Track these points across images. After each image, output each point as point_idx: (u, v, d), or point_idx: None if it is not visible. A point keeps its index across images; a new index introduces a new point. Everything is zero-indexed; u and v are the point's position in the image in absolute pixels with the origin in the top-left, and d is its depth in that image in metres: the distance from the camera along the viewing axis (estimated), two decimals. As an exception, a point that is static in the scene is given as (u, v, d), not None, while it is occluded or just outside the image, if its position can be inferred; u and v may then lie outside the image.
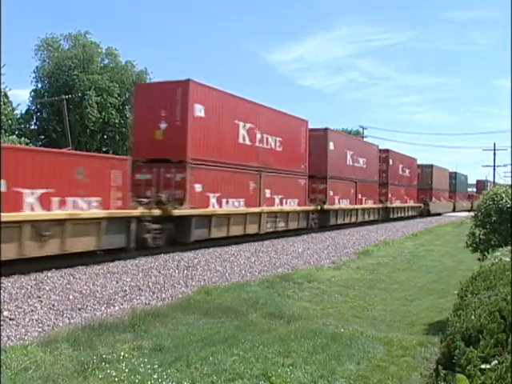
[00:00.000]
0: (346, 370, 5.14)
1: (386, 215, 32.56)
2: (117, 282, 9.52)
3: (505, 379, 2.50)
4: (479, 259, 7.92)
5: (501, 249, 6.85)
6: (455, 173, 56.28)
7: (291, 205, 20.26)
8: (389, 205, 32.94)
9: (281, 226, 19.42)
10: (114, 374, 4.82)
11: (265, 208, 18.10)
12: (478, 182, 79.94)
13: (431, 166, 45.78)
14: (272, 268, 12.14)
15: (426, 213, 42.59)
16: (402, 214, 36.42)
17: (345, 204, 25.53)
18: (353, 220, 26.69)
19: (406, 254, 16.15)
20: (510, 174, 68.12)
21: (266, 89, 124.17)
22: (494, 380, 2.52)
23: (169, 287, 9.39)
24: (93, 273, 10.31)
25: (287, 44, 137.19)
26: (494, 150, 62.23)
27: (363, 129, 56.91)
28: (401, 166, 36.18)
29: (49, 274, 9.84)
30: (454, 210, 52.45)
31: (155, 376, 4.77)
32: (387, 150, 34.13)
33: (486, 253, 7.89)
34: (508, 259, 5.34)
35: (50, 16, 73.17)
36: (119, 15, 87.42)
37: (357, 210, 27.26)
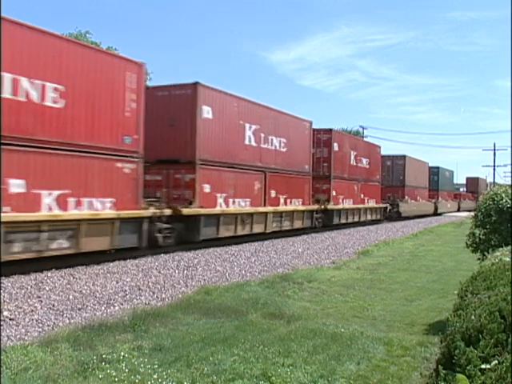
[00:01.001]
0: (346, 370, 5.14)
1: (327, 220, 23.47)
2: (117, 282, 9.52)
3: (505, 379, 2.50)
4: (479, 259, 7.92)
5: (501, 249, 6.84)
6: (437, 167, 47.81)
7: (94, 208, 11.08)
8: (332, 206, 23.74)
9: (59, 247, 10.29)
10: (114, 374, 4.82)
11: None
12: (468, 179, 70.80)
13: (403, 158, 37.40)
14: (272, 268, 12.14)
15: (395, 216, 33.77)
16: (356, 219, 27.05)
17: (241, 205, 16.56)
18: (257, 229, 17.40)
19: (406, 253, 16.15)
20: (509, 174, 68.01)
21: (266, 89, 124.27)
22: (494, 380, 2.52)
23: (169, 287, 9.39)
24: (93, 273, 10.31)
25: (288, 44, 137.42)
26: (494, 150, 62.28)
27: (363, 129, 56.94)
28: (354, 153, 26.79)
29: (49, 274, 9.84)
30: (435, 212, 44.18)
31: (155, 376, 4.77)
32: (330, 131, 24.32)
33: (485, 253, 7.88)
34: (508, 259, 5.34)
35: (50, 16, 73.22)
36: (119, 15, 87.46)
37: (265, 213, 17.89)
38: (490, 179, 71.22)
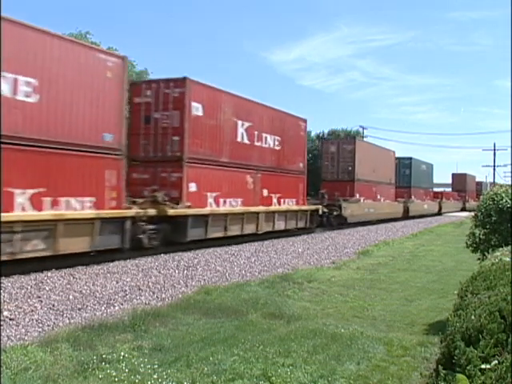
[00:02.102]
0: (346, 370, 5.14)
1: (175, 235, 13.60)
2: (117, 282, 9.52)
3: (505, 379, 2.50)
4: (479, 259, 7.92)
5: (501, 249, 6.84)
6: (410, 158, 37.16)
7: None
8: (183, 209, 13.59)
9: None
10: (114, 373, 4.82)
11: None
12: (454, 176, 60.10)
13: (353, 141, 27.54)
14: (272, 268, 12.14)
15: (337, 222, 24.00)
16: (250, 230, 16.79)
17: None
18: None
19: (406, 253, 16.15)
20: (509, 174, 67.88)
21: (267, 89, 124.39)
22: (494, 380, 2.52)
23: (169, 287, 9.39)
24: (93, 273, 10.31)
25: (288, 44, 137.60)
26: (494, 150, 62.16)
27: (363, 129, 56.72)
28: (244, 124, 16.54)
29: (49, 274, 9.84)
30: (406, 215, 34.25)
31: (155, 376, 4.77)
32: (183, 80, 14.03)
33: (486, 253, 7.88)
34: (508, 259, 5.34)
35: (50, 16, 73.23)
36: (120, 15, 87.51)
37: None
38: (490, 179, 70.25)
